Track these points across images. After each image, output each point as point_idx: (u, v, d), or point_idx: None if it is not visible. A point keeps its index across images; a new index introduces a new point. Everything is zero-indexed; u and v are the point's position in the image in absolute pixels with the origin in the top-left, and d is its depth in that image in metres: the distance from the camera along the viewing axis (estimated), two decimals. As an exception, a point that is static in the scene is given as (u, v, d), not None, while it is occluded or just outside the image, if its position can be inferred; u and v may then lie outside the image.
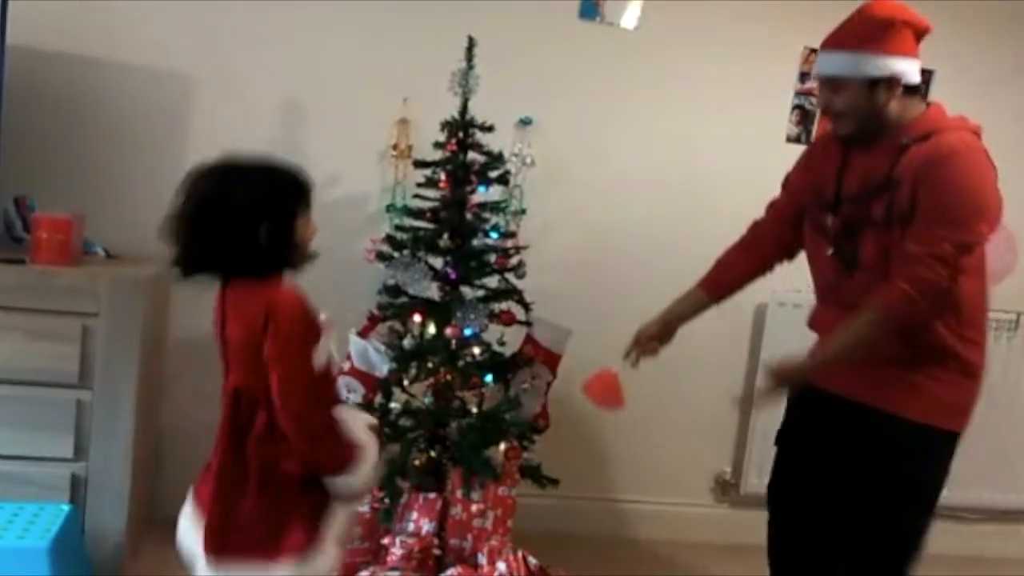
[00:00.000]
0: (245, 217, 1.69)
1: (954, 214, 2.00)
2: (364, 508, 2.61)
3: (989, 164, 2.07)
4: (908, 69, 2.10)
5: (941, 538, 3.58)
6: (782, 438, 2.48)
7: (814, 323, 2.40)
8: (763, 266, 2.47)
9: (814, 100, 3.34)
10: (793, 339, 3.33)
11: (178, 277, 1.73)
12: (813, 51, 3.31)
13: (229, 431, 1.75)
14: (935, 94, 3.40)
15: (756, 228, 2.48)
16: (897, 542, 2.23)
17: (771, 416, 3.34)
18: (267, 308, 1.66)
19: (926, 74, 3.35)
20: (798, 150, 3.31)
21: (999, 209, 2.06)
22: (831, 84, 2.13)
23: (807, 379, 2.21)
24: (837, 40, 2.12)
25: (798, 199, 2.37)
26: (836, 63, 2.10)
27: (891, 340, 2.11)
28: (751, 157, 3.33)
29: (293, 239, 1.75)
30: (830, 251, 2.23)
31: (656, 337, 2.42)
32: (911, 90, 2.13)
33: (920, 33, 2.12)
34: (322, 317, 1.75)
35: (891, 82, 2.08)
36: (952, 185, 2.00)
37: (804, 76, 3.33)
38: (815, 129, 3.36)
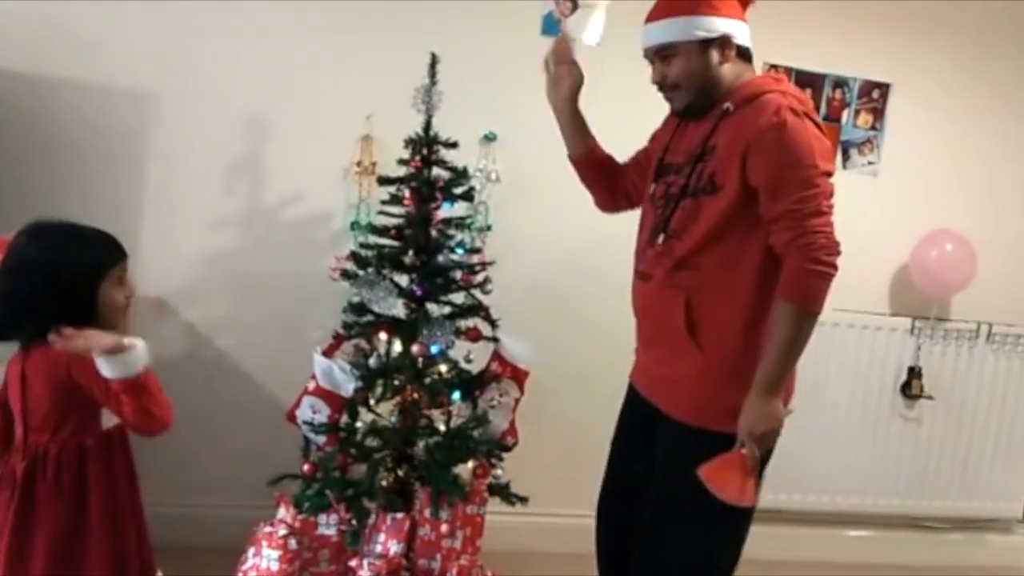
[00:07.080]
0: (40, 271, 1.73)
1: (800, 173, 1.92)
2: (331, 531, 2.58)
3: (813, 122, 1.99)
4: (738, 30, 2.09)
5: (907, 548, 3.66)
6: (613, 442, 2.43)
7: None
8: (618, 189, 2.47)
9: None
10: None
11: None
12: (772, 67, 3.35)
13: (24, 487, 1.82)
14: (893, 105, 3.46)
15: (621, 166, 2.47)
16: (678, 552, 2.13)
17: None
18: (68, 365, 1.74)
19: (883, 87, 3.44)
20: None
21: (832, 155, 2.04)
22: (663, 54, 2.09)
23: (777, 411, 1.99)
24: (663, 10, 2.08)
25: (650, 161, 2.33)
26: (666, 30, 2.06)
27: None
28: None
29: (94, 297, 1.78)
30: (651, 220, 2.19)
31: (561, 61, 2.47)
32: (743, 57, 2.12)
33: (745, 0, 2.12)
34: None
35: (723, 43, 2.06)
36: (789, 149, 1.93)
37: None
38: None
